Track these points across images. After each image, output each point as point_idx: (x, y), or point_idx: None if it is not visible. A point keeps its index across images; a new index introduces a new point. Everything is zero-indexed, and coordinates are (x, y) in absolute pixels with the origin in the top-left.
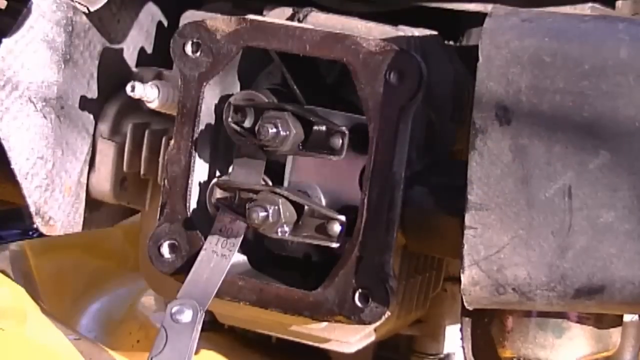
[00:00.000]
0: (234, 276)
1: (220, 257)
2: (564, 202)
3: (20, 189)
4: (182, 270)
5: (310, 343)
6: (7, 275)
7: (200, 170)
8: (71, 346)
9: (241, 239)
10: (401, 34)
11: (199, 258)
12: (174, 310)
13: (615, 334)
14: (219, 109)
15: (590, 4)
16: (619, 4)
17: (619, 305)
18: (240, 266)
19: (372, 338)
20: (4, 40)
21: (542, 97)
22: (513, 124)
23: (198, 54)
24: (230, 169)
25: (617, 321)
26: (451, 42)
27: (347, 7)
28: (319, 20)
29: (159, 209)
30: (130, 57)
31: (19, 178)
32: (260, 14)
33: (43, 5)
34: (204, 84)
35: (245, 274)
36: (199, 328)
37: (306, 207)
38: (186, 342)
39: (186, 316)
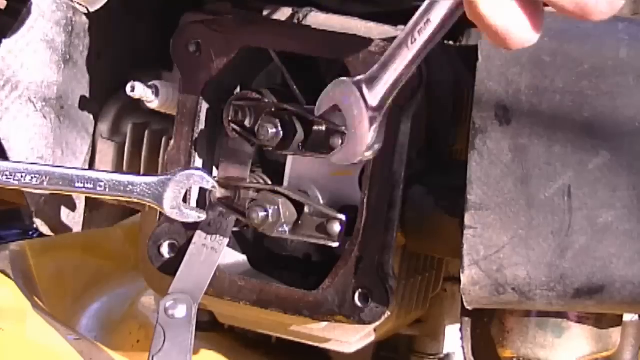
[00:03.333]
0: (234, 276)
1: (210, 250)
2: (563, 202)
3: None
4: None
5: (310, 343)
6: (7, 275)
7: None
8: (71, 346)
9: (230, 231)
10: None
11: (188, 252)
12: (167, 305)
13: (615, 333)
14: (219, 109)
15: None
16: None
17: (619, 305)
18: (240, 266)
19: (372, 338)
20: (4, 40)
21: (542, 97)
22: (513, 124)
23: (198, 54)
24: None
25: (617, 321)
26: (451, 42)
27: (347, 7)
28: (319, 20)
29: None
30: (131, 57)
31: None
32: (260, 14)
33: (43, 6)
34: (204, 84)
35: (245, 274)
36: (194, 323)
37: (306, 207)
38: (184, 338)
39: (180, 311)
